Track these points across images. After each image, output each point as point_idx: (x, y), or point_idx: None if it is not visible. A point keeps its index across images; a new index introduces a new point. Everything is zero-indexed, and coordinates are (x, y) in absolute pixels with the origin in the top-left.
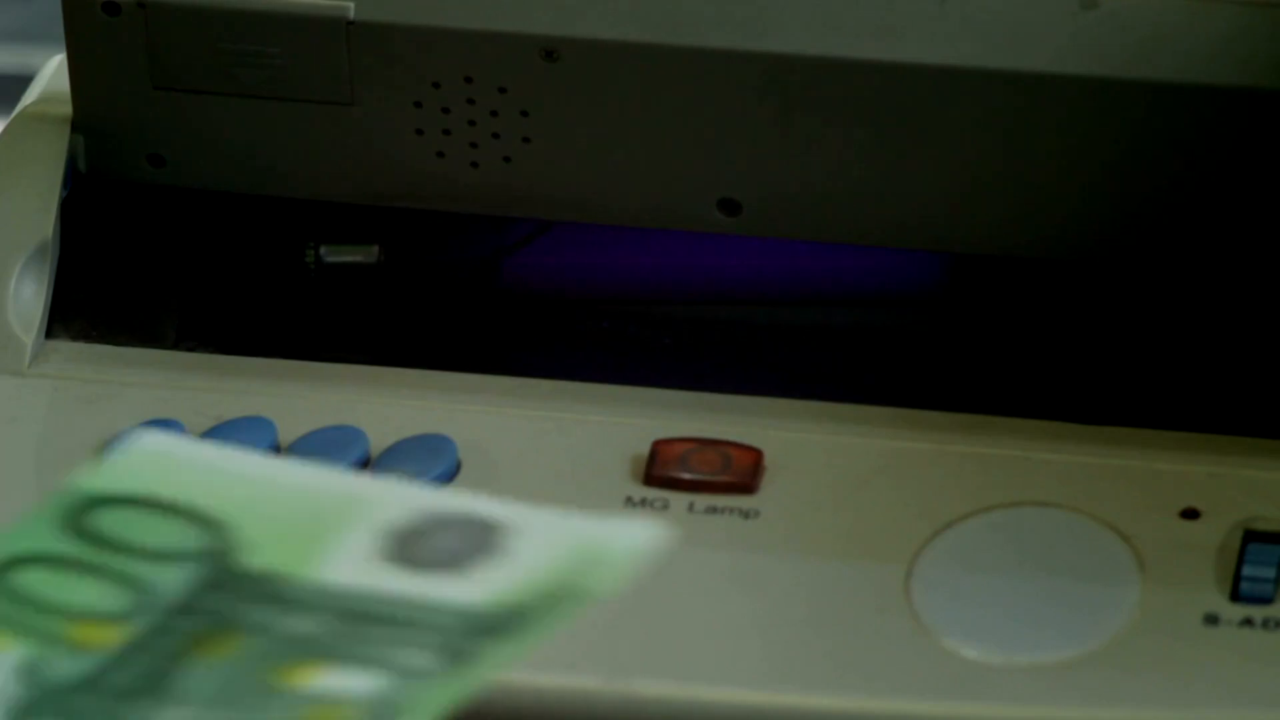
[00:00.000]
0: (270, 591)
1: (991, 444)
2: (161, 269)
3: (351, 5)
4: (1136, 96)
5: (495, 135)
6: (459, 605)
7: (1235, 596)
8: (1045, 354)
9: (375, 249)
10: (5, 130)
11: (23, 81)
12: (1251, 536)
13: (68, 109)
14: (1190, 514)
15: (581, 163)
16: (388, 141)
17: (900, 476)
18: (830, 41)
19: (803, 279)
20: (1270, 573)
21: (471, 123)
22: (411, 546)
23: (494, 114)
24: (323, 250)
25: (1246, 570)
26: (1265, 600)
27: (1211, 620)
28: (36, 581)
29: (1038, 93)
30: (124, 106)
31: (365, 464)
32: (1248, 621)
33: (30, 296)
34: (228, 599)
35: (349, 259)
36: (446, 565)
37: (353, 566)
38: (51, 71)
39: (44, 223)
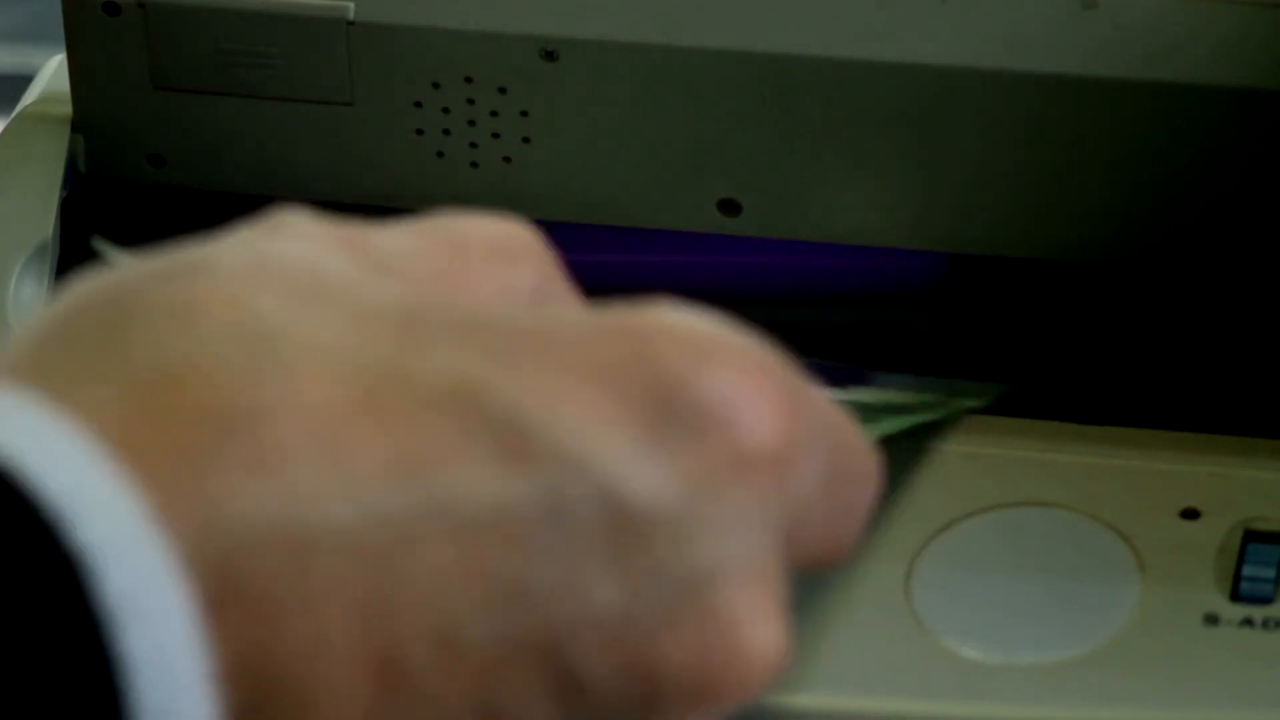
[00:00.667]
0: None
1: (991, 444)
2: None
3: (351, 5)
4: (1136, 96)
5: (495, 135)
6: (856, 399)
7: (1235, 596)
8: (1045, 354)
9: None
10: (5, 130)
11: (23, 81)
12: (1251, 536)
13: (68, 109)
14: (1190, 514)
15: (581, 163)
16: (388, 141)
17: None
18: (830, 41)
19: (802, 278)
20: (1270, 573)
21: (471, 123)
22: None
23: (494, 114)
24: None
25: (1246, 570)
26: (1265, 600)
27: (1211, 620)
28: None
29: (1038, 93)
30: (124, 106)
31: None
32: (1248, 621)
33: (30, 296)
34: None
35: None
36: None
37: None
38: (51, 71)
39: (44, 223)
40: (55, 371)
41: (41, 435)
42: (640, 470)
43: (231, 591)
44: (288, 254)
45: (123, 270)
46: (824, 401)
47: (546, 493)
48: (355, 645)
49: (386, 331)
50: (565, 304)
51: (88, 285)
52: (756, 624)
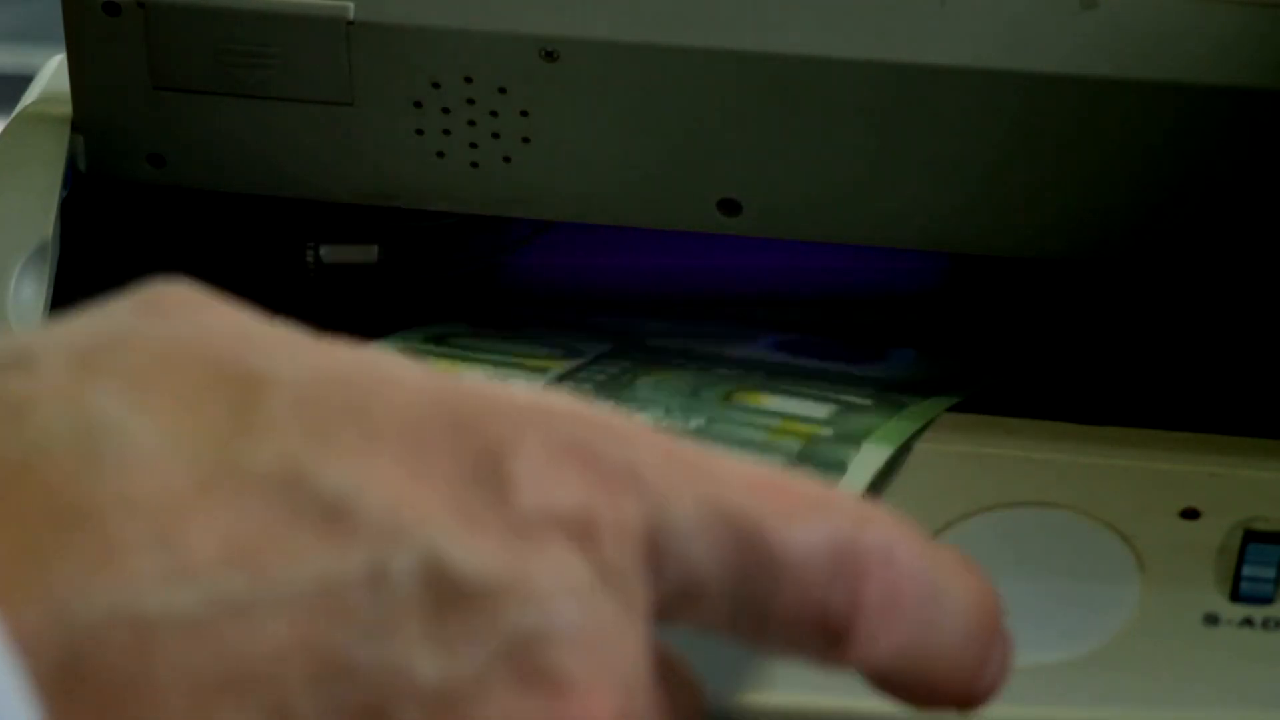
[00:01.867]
0: (691, 353)
1: (991, 444)
2: (162, 269)
3: (351, 5)
4: (1137, 96)
5: (495, 135)
6: (876, 375)
7: (1235, 596)
8: (1045, 354)
9: (375, 249)
10: (5, 130)
11: (23, 81)
12: (1251, 536)
13: (68, 109)
14: (1190, 514)
15: (581, 163)
16: (388, 141)
17: (900, 476)
18: (830, 41)
19: (803, 279)
20: (1270, 573)
21: (471, 123)
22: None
23: (494, 114)
24: (323, 250)
25: (1246, 570)
26: (1265, 600)
27: (1211, 620)
28: (445, 355)
29: (1038, 93)
30: (124, 106)
31: None
32: (1248, 621)
33: (30, 296)
34: (651, 354)
35: (349, 259)
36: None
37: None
38: (51, 71)
39: (44, 223)
40: None
41: None
42: (457, 540)
43: (78, 681)
44: (125, 337)
45: None
46: (704, 459)
47: (369, 565)
48: None
49: (216, 418)
50: (392, 367)
51: None
52: (586, 690)
